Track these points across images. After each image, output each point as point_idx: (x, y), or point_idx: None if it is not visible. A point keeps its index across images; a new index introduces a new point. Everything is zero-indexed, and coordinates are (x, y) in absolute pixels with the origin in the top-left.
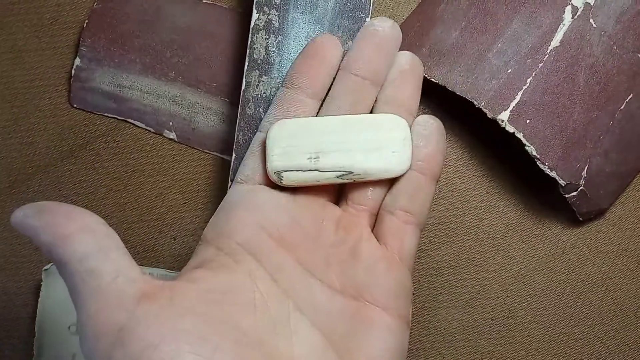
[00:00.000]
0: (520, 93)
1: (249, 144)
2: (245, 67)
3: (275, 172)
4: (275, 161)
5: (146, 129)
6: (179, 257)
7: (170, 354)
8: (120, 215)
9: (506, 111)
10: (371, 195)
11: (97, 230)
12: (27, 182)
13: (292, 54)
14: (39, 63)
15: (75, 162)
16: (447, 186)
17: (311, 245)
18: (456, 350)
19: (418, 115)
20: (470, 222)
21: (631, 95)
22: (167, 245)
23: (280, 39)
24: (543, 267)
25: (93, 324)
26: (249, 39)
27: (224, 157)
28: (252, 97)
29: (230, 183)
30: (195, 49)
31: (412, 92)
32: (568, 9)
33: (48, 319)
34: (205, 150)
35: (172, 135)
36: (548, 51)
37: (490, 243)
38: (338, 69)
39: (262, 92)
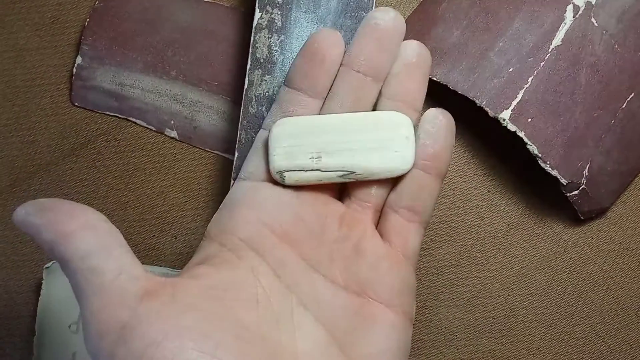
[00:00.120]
0: (521, 92)
1: (252, 143)
2: (248, 66)
3: (277, 172)
4: (278, 161)
5: (147, 128)
6: (180, 256)
7: (173, 350)
8: (121, 213)
9: (508, 110)
10: (374, 193)
11: (99, 227)
12: (28, 180)
13: (294, 53)
14: (40, 62)
15: (76, 161)
16: (448, 185)
17: (314, 241)
18: (457, 349)
19: (426, 110)
20: (471, 220)
21: (632, 94)
22: (168, 244)
23: (282, 38)
24: (544, 265)
25: (96, 322)
26: (252, 38)
27: (225, 156)
28: (254, 96)
29: (232, 182)
30: (196, 47)
31: (417, 87)
32: (569, 8)
33: (49, 317)
34: (206, 149)
35: (174, 134)
36: (549, 50)
37: (491, 242)
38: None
39: (265, 91)
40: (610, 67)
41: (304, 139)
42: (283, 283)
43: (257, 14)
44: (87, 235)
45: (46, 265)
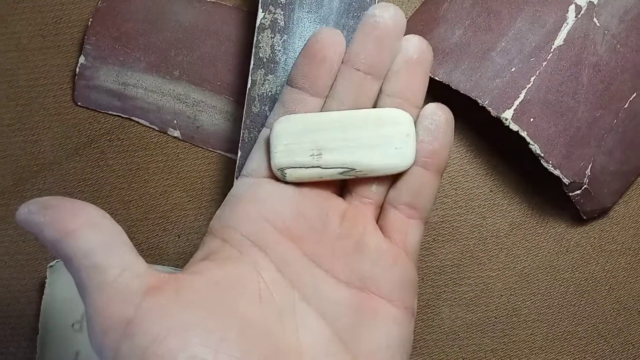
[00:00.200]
0: (524, 92)
1: (255, 142)
2: (251, 66)
3: (278, 169)
4: (279, 158)
5: (150, 127)
6: (183, 255)
7: (177, 346)
8: (124, 212)
9: (510, 110)
10: (375, 190)
11: (102, 225)
12: (31, 180)
13: (297, 53)
14: (43, 61)
15: (79, 160)
16: (451, 185)
17: (316, 236)
18: (460, 349)
19: (426, 105)
20: (474, 220)
21: (635, 94)
22: (171, 243)
23: (285, 38)
24: (547, 265)
25: (100, 318)
26: (255, 38)
27: (227, 155)
28: (257, 95)
29: (236, 181)
30: (199, 47)
31: (417, 84)
32: (572, 8)
33: (52, 316)
34: (209, 149)
35: (177, 134)
36: (552, 50)
37: (494, 241)
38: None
39: (268, 90)
40: (612, 67)
41: (304, 136)
42: (285, 278)
43: (260, 14)
44: (90, 233)
45: (50, 264)
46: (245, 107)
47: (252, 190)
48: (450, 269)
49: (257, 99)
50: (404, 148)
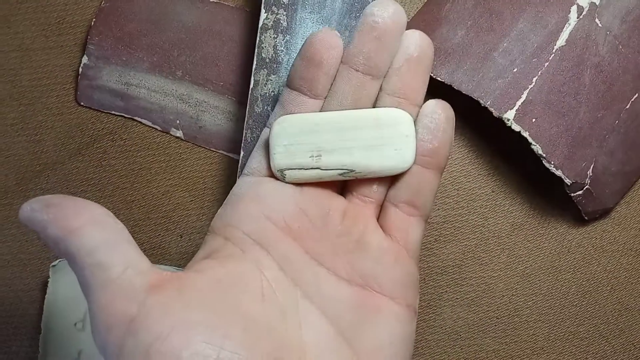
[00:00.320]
0: (526, 92)
1: (257, 142)
2: (254, 66)
3: (278, 170)
4: (278, 159)
5: (153, 127)
6: (185, 255)
7: (181, 343)
8: (127, 212)
9: (512, 110)
10: (376, 189)
11: (104, 222)
12: (34, 179)
13: None
14: (46, 61)
15: (82, 160)
16: (452, 185)
17: (318, 235)
18: (461, 349)
19: (426, 101)
20: (475, 220)
21: (637, 94)
22: (173, 243)
23: (288, 38)
24: (548, 266)
25: (104, 316)
26: (257, 38)
27: (230, 156)
28: (260, 95)
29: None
30: (202, 47)
31: (418, 83)
32: (574, 8)
33: (55, 315)
34: (211, 149)
35: (179, 134)
36: (554, 50)
37: (495, 242)
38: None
39: (270, 90)
40: (614, 67)
41: (304, 137)
42: (287, 276)
43: (263, 15)
44: (93, 231)
45: (52, 264)
46: (247, 107)
47: (253, 189)
48: (452, 269)
49: (259, 99)
50: (403, 149)
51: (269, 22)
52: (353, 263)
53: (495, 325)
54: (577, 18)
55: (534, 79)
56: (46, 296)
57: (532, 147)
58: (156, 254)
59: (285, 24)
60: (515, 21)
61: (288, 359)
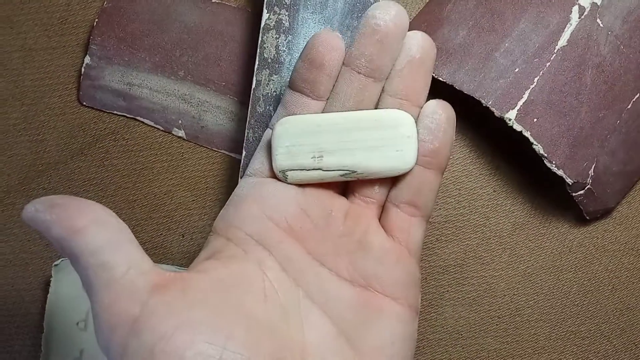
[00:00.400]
0: (527, 92)
1: (259, 142)
2: (256, 66)
3: (280, 171)
4: (280, 160)
5: (155, 127)
6: (187, 254)
7: (184, 343)
8: (129, 212)
9: (513, 110)
10: (377, 190)
11: (108, 223)
12: (37, 179)
13: None
14: (49, 61)
15: (84, 160)
16: (454, 185)
17: (320, 235)
18: (463, 348)
19: (427, 101)
20: (477, 220)
21: (638, 94)
22: (175, 242)
23: (290, 39)
24: (550, 265)
25: (107, 316)
26: (260, 39)
27: (232, 155)
28: (262, 95)
29: (240, 180)
30: (204, 48)
31: (420, 84)
32: (575, 8)
33: (57, 315)
34: (213, 149)
35: (181, 133)
36: (555, 50)
37: (497, 241)
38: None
39: (272, 90)
40: (616, 67)
41: (306, 138)
42: (290, 277)
43: (265, 15)
44: (96, 231)
45: (55, 263)
46: (249, 107)
47: (255, 189)
48: (453, 268)
49: (261, 99)
50: (405, 150)
51: (271, 22)
52: (355, 263)
53: (496, 325)
54: (579, 18)
55: (536, 79)
56: (48, 295)
57: (534, 147)
58: (158, 253)
59: (287, 24)
60: (516, 21)
61: (290, 359)
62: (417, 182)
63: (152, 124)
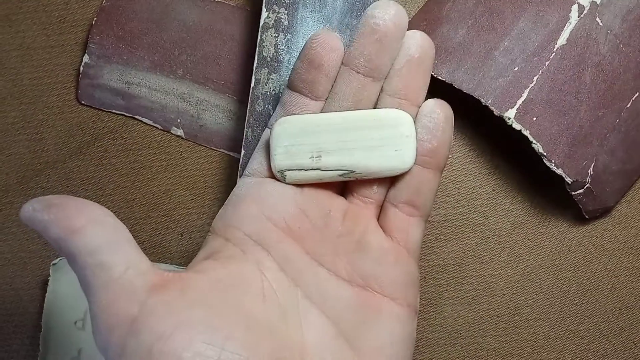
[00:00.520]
0: (526, 91)
1: (258, 141)
2: (255, 65)
3: (278, 171)
4: (279, 160)
5: (154, 126)
6: (186, 253)
7: (182, 343)
8: (127, 211)
9: (513, 109)
10: (376, 190)
11: (106, 223)
12: (35, 178)
13: None
14: (47, 60)
15: (83, 159)
16: (453, 184)
17: (318, 235)
18: (462, 347)
19: (425, 100)
20: (476, 219)
21: (637, 93)
22: (174, 241)
23: (289, 37)
24: (549, 264)
25: (105, 316)
26: (259, 37)
27: (231, 154)
28: (261, 94)
29: (239, 179)
30: (203, 46)
31: (419, 84)
32: (574, 7)
33: (55, 314)
34: (212, 147)
35: (180, 132)
36: (555, 49)
37: (496, 240)
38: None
39: (271, 89)
40: (615, 66)
41: (304, 138)
42: (288, 277)
43: (264, 13)
44: (94, 231)
45: (53, 262)
46: (248, 105)
47: (254, 189)
48: (452, 267)
49: (260, 98)
50: (403, 150)
51: (270, 20)
52: (353, 263)
53: (495, 324)
54: (578, 17)
55: (535, 78)
56: (46, 294)
57: (533, 145)
58: (157, 252)
59: (286, 22)
60: (516, 20)
61: (289, 359)
62: (416, 181)
63: (150, 122)
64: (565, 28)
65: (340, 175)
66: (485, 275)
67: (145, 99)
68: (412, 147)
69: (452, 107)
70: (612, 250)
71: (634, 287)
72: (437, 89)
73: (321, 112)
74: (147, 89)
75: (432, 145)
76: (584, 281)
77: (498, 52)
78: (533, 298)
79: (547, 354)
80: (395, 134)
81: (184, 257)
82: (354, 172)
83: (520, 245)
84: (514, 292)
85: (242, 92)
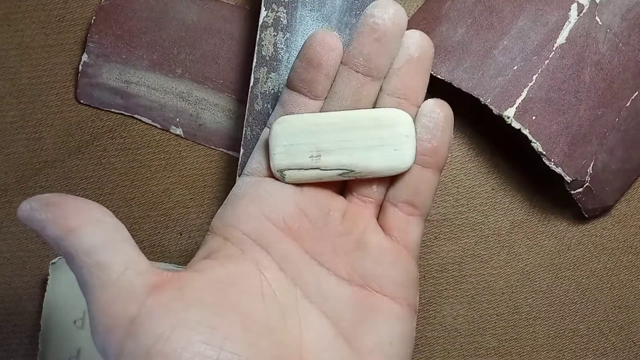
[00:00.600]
0: (526, 90)
1: (257, 140)
2: (254, 64)
3: (278, 170)
4: (278, 159)
5: (153, 125)
6: (185, 252)
7: (181, 344)
8: (126, 210)
9: (512, 108)
10: (375, 189)
11: (104, 222)
12: (34, 177)
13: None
14: (46, 59)
15: (82, 158)
16: (452, 183)
17: (318, 234)
18: (461, 346)
19: (425, 100)
20: (475, 218)
21: (637, 92)
22: (173, 240)
23: (288, 36)
24: (548, 263)
25: (104, 317)
26: (257, 36)
27: (230, 153)
28: (260, 93)
29: (238, 178)
30: (202, 45)
31: (418, 83)
32: (574, 6)
33: (54, 313)
34: (211, 147)
35: (179, 132)
36: (554, 48)
37: (495, 239)
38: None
39: (271, 88)
40: (615, 65)
41: (303, 137)
42: (287, 276)
43: (263, 12)
44: (92, 231)
45: (52, 261)
46: (247, 104)
47: (253, 189)
48: (451, 266)
49: (259, 97)
50: (403, 149)
51: (269, 19)
52: (353, 263)
53: (495, 323)
54: (578, 16)
55: (534, 77)
56: (45, 294)
57: (532, 144)
58: (156, 251)
59: (285, 21)
60: (515, 19)
61: (288, 358)
62: (415, 181)
63: (149, 122)
64: (564, 27)
65: (339, 175)
66: (484, 274)
67: (144, 98)
68: (412, 147)
69: (451, 106)
70: (611, 249)
71: (633, 285)
72: (437, 88)
73: (320, 112)
74: (146, 88)
75: (431, 144)
76: (583, 280)
77: (497, 51)
78: (532, 297)
79: (547, 353)
80: (395, 134)
81: (183, 256)
82: (353, 171)
83: (520, 244)
84: (514, 291)
85: (241, 91)
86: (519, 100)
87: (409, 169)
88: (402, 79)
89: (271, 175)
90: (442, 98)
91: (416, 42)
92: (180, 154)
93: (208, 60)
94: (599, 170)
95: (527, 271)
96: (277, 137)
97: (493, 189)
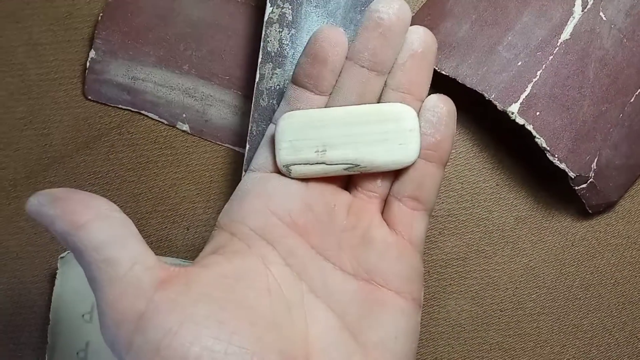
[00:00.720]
0: (530, 85)
1: (263, 136)
2: (259, 60)
3: (284, 165)
4: (284, 155)
5: (160, 121)
6: (192, 247)
7: (189, 339)
8: (134, 205)
9: (516, 103)
10: (380, 184)
11: (112, 218)
12: (43, 173)
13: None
14: (54, 56)
15: (90, 154)
16: (457, 178)
17: (323, 229)
18: (465, 341)
19: (428, 95)
20: (479, 214)
21: None
22: (180, 235)
23: (293, 32)
24: (552, 259)
25: (112, 312)
26: (263, 32)
27: (236, 149)
28: (265, 89)
29: (244, 174)
30: (208, 42)
31: (422, 78)
32: (578, 2)
33: (63, 307)
34: (217, 142)
35: (185, 127)
36: (558, 44)
37: (499, 235)
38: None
39: (276, 84)
40: (619, 61)
41: (309, 132)
42: (293, 271)
43: (269, 9)
44: (100, 226)
45: (61, 256)
46: (253, 100)
47: (259, 184)
48: (456, 262)
49: (265, 93)
50: (408, 143)
51: (275, 16)
52: (358, 257)
53: (499, 318)
54: (582, 11)
55: (539, 73)
56: (54, 288)
57: (536, 140)
58: (163, 246)
59: (290, 17)
60: (519, 15)
61: (294, 353)
62: (420, 175)
63: (156, 117)
64: (568, 23)
65: (345, 169)
66: (488, 270)
67: (151, 94)
68: (416, 141)
69: (455, 101)
70: (615, 245)
71: (637, 281)
72: (441, 83)
73: (325, 107)
74: (152, 84)
75: (435, 139)
76: (587, 276)
77: (502, 47)
78: (536, 292)
79: (550, 348)
80: (399, 128)
81: (190, 251)
82: (358, 165)
83: (524, 240)
84: (518, 286)
85: (247, 87)
86: (523, 96)
87: (413, 163)
88: (406, 73)
89: (277, 170)
90: (447, 94)
91: (420, 37)
92: (186, 149)
93: (214, 56)
94: (603, 166)
95: (531, 267)
96: (283, 132)
97: (497, 185)
